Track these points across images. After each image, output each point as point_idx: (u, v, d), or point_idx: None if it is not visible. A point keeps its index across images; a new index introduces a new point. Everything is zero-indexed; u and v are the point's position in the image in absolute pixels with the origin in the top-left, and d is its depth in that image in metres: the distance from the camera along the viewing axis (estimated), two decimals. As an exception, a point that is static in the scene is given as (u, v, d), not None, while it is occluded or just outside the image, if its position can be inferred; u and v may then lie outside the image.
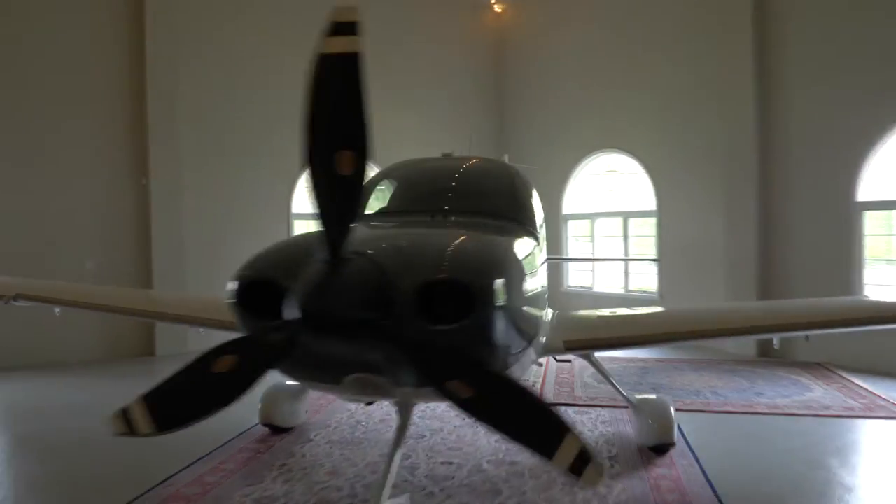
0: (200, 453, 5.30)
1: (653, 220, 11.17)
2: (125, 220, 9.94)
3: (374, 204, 4.76)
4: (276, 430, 5.96)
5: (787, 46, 9.28)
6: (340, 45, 2.63)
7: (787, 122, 9.31)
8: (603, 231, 12.30)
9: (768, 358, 9.20)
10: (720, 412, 6.57)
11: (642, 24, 11.24)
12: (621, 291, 11.82)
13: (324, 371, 3.02)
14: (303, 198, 10.87)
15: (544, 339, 4.59)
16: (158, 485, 4.69)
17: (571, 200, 12.69)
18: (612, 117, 11.71)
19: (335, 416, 6.46)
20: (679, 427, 5.66)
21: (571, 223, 12.82)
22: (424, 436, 5.83)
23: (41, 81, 9.37)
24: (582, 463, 2.56)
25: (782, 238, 9.43)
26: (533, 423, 2.66)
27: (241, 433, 5.91)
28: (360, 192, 2.72)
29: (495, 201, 4.73)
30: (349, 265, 2.64)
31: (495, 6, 13.95)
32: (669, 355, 9.45)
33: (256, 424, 5.99)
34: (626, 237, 11.76)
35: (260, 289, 2.91)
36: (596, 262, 12.27)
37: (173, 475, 4.87)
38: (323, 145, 2.66)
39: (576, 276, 12.83)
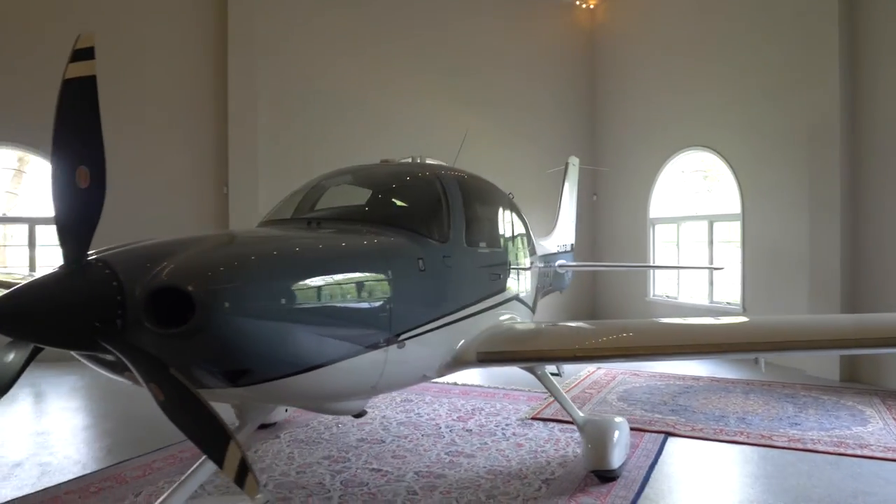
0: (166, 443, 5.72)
1: (738, 225, 10.09)
2: (209, 223, 10.93)
3: (283, 209, 4.86)
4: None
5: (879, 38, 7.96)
6: (79, 69, 2.82)
7: (881, 118, 7.98)
8: (691, 236, 11.32)
9: (853, 383, 7.98)
10: (723, 441, 5.83)
11: (728, 16, 10.26)
12: (706, 302, 10.80)
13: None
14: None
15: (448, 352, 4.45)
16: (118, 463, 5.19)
17: (659, 203, 11.85)
18: (698, 113, 10.82)
19: (320, 417, 6.64)
20: (659, 454, 5.17)
21: (659, 227, 11.95)
22: (384, 441, 5.84)
23: (143, 112, 10.60)
24: (243, 473, 2.51)
25: (875, 247, 8.08)
26: (206, 431, 2.64)
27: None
28: (97, 204, 2.87)
29: (388, 210, 4.65)
30: (75, 273, 2.80)
31: (580, 4, 13.44)
32: (732, 374, 8.53)
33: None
34: (710, 243, 10.73)
35: None
36: (680, 271, 11.33)
37: (124, 461, 5.35)
38: (64, 162, 2.85)
39: (662, 286, 11.93)
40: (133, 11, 10.62)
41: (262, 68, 11.07)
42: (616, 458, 4.78)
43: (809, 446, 5.63)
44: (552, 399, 7.21)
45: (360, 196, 4.96)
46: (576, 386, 8.00)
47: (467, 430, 6.18)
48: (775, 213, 9.42)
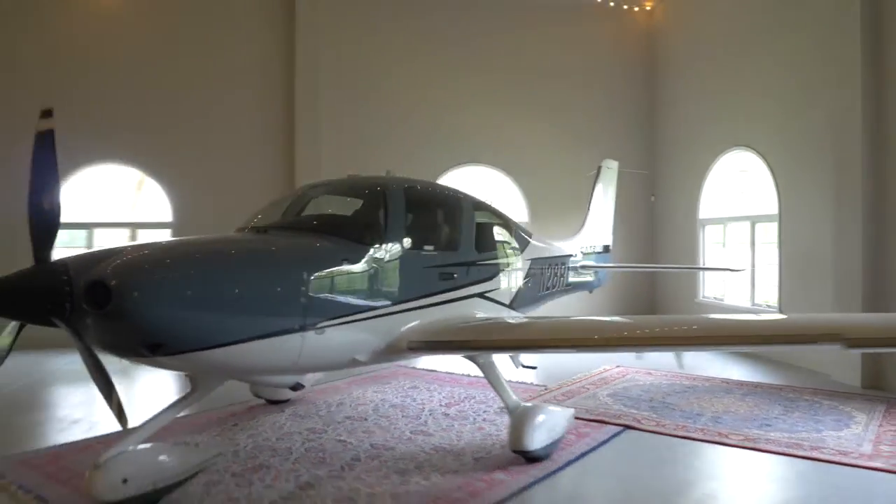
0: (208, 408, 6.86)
1: (777, 226, 9.91)
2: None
3: (260, 216, 5.77)
4: (269, 402, 7.31)
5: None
6: (44, 125, 3.98)
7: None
8: (737, 237, 11.17)
9: (874, 391, 7.76)
10: (678, 436, 6.08)
11: (775, 19, 10.09)
12: (748, 304, 10.64)
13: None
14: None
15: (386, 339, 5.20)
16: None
17: (708, 204, 11.75)
18: (741, 112, 10.67)
19: (329, 398, 7.56)
20: (604, 443, 5.75)
21: (709, 228, 11.84)
22: (366, 419, 6.66)
23: (224, 126, 12.13)
24: (121, 411, 3.63)
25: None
26: (103, 381, 3.70)
27: (244, 401, 7.38)
28: (55, 224, 3.96)
29: (329, 220, 5.47)
30: (48, 265, 3.91)
31: (628, 7, 13.50)
32: (748, 377, 8.54)
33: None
34: (752, 244, 10.57)
35: None
36: (727, 273, 11.19)
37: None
38: (36, 193, 3.97)
39: (712, 287, 11.81)
40: (220, 43, 12.20)
41: (325, 85, 12.27)
42: (535, 441, 5.26)
43: (760, 445, 5.76)
44: (550, 390, 7.76)
45: (322, 207, 5.81)
46: (580, 381, 8.36)
47: (445, 415, 6.84)
48: (809, 214, 9.21)
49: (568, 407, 6.33)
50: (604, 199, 10.71)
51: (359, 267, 5.05)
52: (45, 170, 4.00)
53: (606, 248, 10.66)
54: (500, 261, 6.79)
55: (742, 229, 10.89)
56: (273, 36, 12.37)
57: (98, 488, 4.23)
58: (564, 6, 13.06)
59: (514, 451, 5.32)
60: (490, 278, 6.59)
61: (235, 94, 12.25)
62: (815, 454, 5.53)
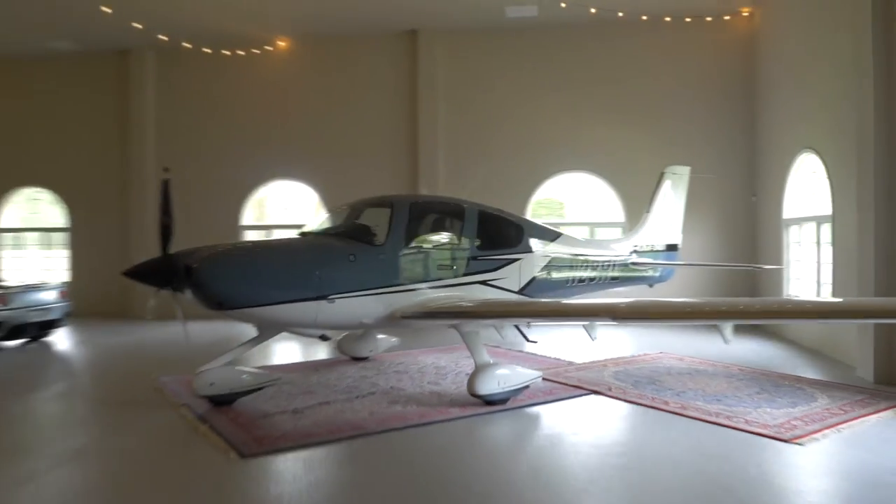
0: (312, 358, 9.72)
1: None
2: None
3: (315, 224, 8.35)
4: (353, 358, 9.93)
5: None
6: (164, 175, 6.96)
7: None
8: (808, 237, 11.46)
9: (885, 387, 8.16)
10: (633, 403, 7.42)
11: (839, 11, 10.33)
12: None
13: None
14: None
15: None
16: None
17: (791, 205, 12.09)
18: (813, 113, 10.97)
19: (398, 359, 9.97)
20: (558, 400, 7.51)
21: (792, 228, 12.16)
22: (405, 373, 8.96)
23: (358, 146, 15.16)
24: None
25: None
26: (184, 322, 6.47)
27: (337, 358, 10.09)
28: (170, 234, 6.89)
29: (351, 227, 7.82)
30: (167, 256, 6.84)
31: (731, 14, 13.91)
32: (773, 367, 9.31)
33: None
34: (818, 243, 10.89)
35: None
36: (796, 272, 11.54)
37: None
38: (162, 215, 6.96)
39: (795, 286, 12.12)
40: (359, 83, 15.27)
41: (442, 107, 14.70)
42: (483, 388, 7.08)
43: (687, 412, 6.94)
44: (572, 365, 9.40)
45: (366, 216, 8.18)
46: (605, 361, 9.78)
47: (459, 372, 8.87)
48: (854, 213, 9.51)
49: (576, 380, 8.10)
50: (670, 202, 11.74)
51: (362, 260, 7.39)
52: (167, 203, 6.93)
53: (671, 247, 11.70)
54: (505, 257, 8.65)
55: (812, 230, 11.21)
56: (399, 71, 15.06)
57: (196, 386, 7.10)
58: (661, 15, 13.88)
59: (471, 394, 7.26)
60: (493, 269, 8.52)
61: (371, 121, 15.18)
62: (720, 420, 6.66)
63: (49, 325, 12.00)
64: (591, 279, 10.17)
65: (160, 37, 14.52)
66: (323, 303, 7.08)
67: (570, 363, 9.66)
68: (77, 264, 16.36)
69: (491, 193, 13.99)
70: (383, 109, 15.21)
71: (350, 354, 9.96)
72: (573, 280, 9.78)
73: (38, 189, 17.15)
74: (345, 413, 6.98)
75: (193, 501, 4.85)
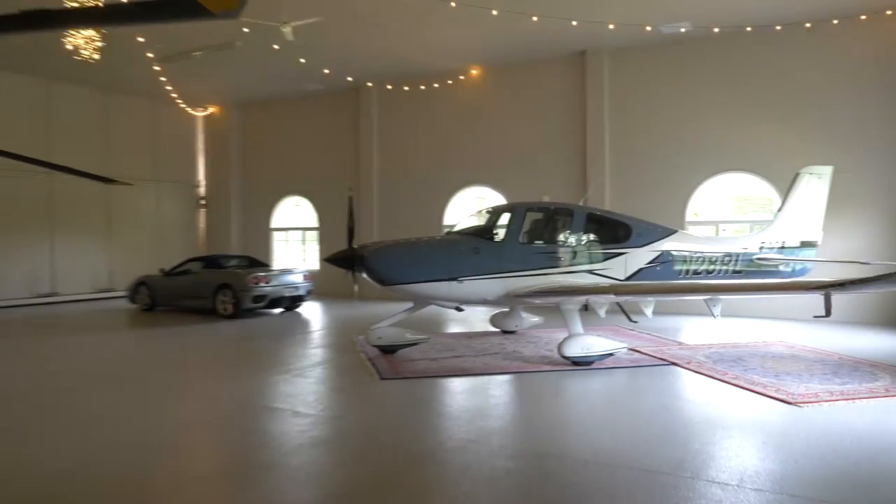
0: (469, 330, 12.60)
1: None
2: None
3: (460, 225, 11.04)
4: (502, 331, 12.50)
5: None
6: (348, 193, 10.35)
7: None
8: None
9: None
10: (701, 374, 9.02)
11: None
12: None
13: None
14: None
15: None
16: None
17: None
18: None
19: (536, 333, 12.33)
20: (636, 366, 9.39)
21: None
22: (500, 344, 11.32)
23: (536, 155, 17.57)
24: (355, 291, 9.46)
25: None
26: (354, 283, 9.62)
27: (489, 331, 12.74)
28: (353, 233, 10.18)
29: (482, 228, 10.37)
30: (350, 248, 10.13)
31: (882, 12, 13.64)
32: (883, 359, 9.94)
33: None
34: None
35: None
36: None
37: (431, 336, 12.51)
38: (348, 219, 10.30)
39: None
40: (531, 91, 17.66)
41: (608, 117, 16.50)
42: (569, 351, 9.24)
43: (738, 382, 8.37)
44: (679, 344, 11.00)
45: (493, 219, 10.76)
46: (712, 342, 11.13)
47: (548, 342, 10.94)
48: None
49: (665, 354, 9.94)
50: (807, 200, 12.36)
51: (485, 252, 9.97)
52: (351, 212, 10.21)
53: (807, 244, 12.35)
54: (611, 251, 10.57)
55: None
56: (570, 87, 17.13)
57: (370, 338, 10.28)
58: (811, 20, 14.15)
59: (561, 356, 9.45)
60: (600, 261, 10.51)
61: (547, 133, 17.48)
62: (746, 385, 8.06)
63: (297, 300, 16.40)
64: (709, 272, 11.50)
65: (367, 83, 18.40)
66: (454, 283, 9.80)
67: (679, 343, 11.20)
68: (322, 254, 21.08)
69: (651, 196, 15.70)
70: (557, 122, 17.43)
71: (500, 328, 12.55)
72: (686, 272, 11.25)
73: (299, 197, 22.35)
74: (465, 363, 9.64)
75: (355, 398, 7.89)
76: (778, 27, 14.17)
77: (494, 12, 13.19)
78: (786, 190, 12.58)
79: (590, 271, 10.49)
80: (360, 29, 14.67)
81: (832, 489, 4.86)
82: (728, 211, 17.12)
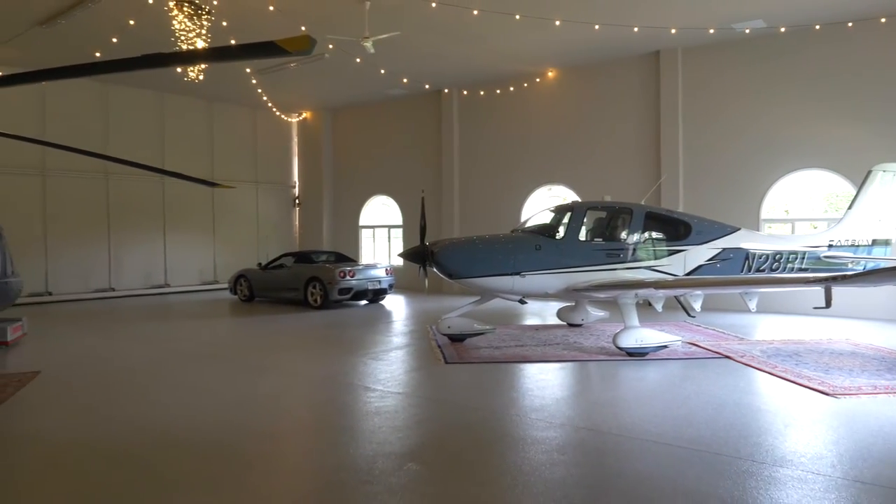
0: (541, 323, 13.34)
1: None
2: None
3: (526, 223, 11.76)
4: (569, 325, 13.13)
5: None
6: (421, 195, 11.32)
7: None
8: None
9: None
10: (749, 366, 9.40)
11: None
12: None
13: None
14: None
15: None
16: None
17: None
18: None
19: (599, 326, 12.88)
20: (687, 359, 9.88)
21: None
22: (562, 336, 11.91)
23: (610, 153, 17.95)
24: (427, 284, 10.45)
25: None
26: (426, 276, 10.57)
27: (556, 324, 13.40)
28: (424, 231, 11.14)
29: (545, 226, 11.05)
30: (422, 245, 11.10)
31: None
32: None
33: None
34: None
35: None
36: None
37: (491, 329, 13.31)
38: (420, 218, 11.28)
39: None
40: (607, 94, 18.05)
41: (681, 115, 16.69)
42: (623, 342, 9.80)
43: (787, 376, 8.71)
44: (738, 338, 11.35)
45: (557, 218, 11.43)
46: (770, 338, 11.34)
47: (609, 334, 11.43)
48: None
49: (720, 348, 10.35)
50: (880, 198, 12.26)
51: (546, 249, 10.68)
52: (423, 212, 11.16)
53: (879, 242, 12.26)
54: (669, 248, 11.00)
55: None
56: (645, 86, 17.41)
57: (440, 327, 11.20)
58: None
59: (616, 347, 10.03)
60: (659, 258, 10.97)
61: (621, 132, 17.83)
62: (789, 377, 8.39)
63: (380, 293, 17.61)
64: (773, 269, 11.69)
65: (444, 89, 19.33)
66: (517, 277, 10.58)
67: (740, 338, 11.48)
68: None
69: (725, 193, 15.83)
70: (631, 121, 17.75)
71: (566, 321, 13.19)
72: (747, 268, 11.50)
73: (385, 196, 23.64)
74: (526, 351, 10.40)
75: (423, 378, 8.85)
76: (850, 24, 13.99)
77: (557, 23, 13.80)
78: (858, 187, 12.52)
79: (649, 268, 10.97)
80: (435, 40, 15.62)
81: (855, 469, 5.32)
82: (820, 208, 16.92)
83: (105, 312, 16.60)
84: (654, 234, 11.16)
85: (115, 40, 14.31)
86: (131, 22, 13.38)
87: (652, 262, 11.00)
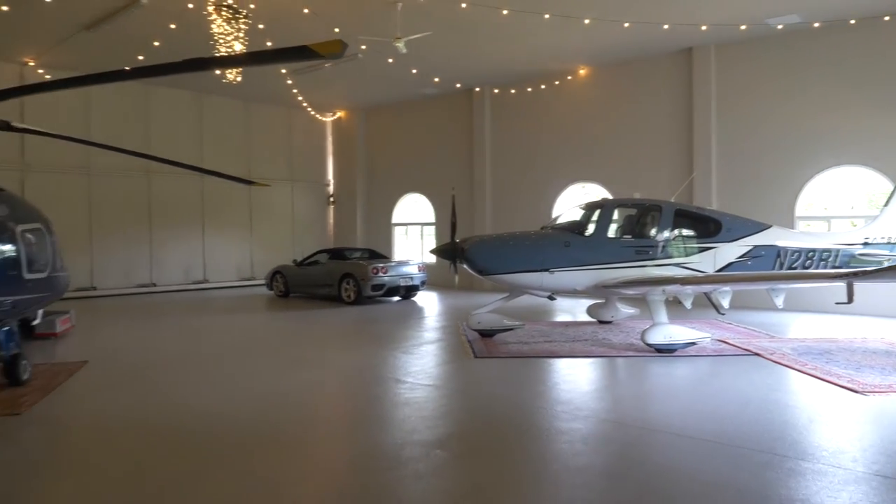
0: (568, 320, 13.46)
1: None
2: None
3: (554, 220, 11.86)
4: (599, 322, 13.18)
5: None
6: (452, 192, 11.52)
7: None
8: None
9: None
10: (778, 363, 9.38)
11: None
12: None
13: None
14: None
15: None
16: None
17: None
18: None
19: (627, 323, 12.91)
20: (721, 355, 9.93)
21: None
22: (593, 332, 11.97)
23: (641, 151, 17.88)
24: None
25: None
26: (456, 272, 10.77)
27: (582, 320, 13.47)
28: (455, 228, 11.34)
29: (573, 223, 11.14)
30: (452, 242, 11.30)
31: None
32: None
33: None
34: None
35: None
36: None
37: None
38: (451, 215, 11.48)
39: None
40: (640, 95, 18.00)
41: (714, 111, 16.57)
42: (651, 339, 9.83)
43: (815, 373, 8.65)
44: (768, 335, 11.31)
45: (586, 215, 11.51)
46: (801, 336, 11.26)
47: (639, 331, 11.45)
48: None
49: (750, 346, 10.34)
50: (914, 196, 12.07)
51: (575, 246, 10.77)
52: (454, 209, 11.36)
53: (911, 238, 12.05)
54: (699, 245, 11.00)
55: None
56: (677, 82, 17.32)
57: (470, 322, 11.40)
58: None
59: (644, 344, 10.08)
60: (689, 254, 10.98)
61: (652, 129, 17.77)
62: (831, 378, 8.33)
63: (412, 289, 17.86)
64: (805, 267, 11.59)
65: (475, 88, 19.48)
66: (546, 273, 10.70)
67: (771, 336, 11.42)
68: (438, 248, 22.57)
69: (759, 190, 15.70)
70: (664, 118, 17.68)
71: (596, 318, 13.25)
72: (779, 265, 11.42)
73: (417, 194, 23.91)
74: (554, 347, 10.53)
75: (452, 371, 9.06)
76: (886, 17, 13.73)
77: (586, 21, 13.85)
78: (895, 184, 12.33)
79: (678, 265, 10.99)
80: (465, 39, 15.78)
81: (877, 463, 5.36)
82: (860, 206, 16.62)
83: (147, 307, 17.20)
84: (684, 231, 11.17)
85: (156, 44, 14.82)
86: (172, 26, 13.84)
87: (682, 259, 11.01)
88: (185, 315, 15.69)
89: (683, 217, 11.28)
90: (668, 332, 10.02)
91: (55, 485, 5.20)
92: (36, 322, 10.51)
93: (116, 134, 18.69)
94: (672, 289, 10.03)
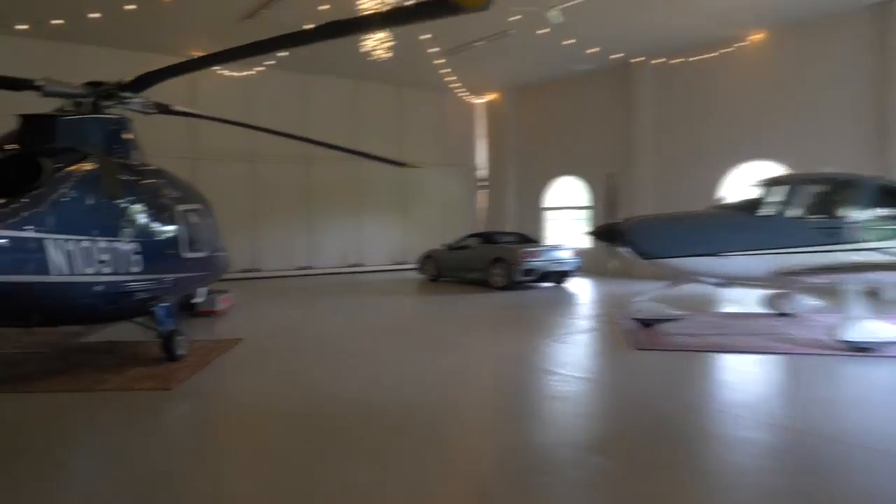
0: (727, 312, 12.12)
1: None
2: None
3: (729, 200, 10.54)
4: (779, 314, 11.61)
5: None
6: (609, 175, 10.68)
7: None
8: None
9: None
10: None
11: None
12: None
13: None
14: None
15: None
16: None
17: None
18: None
19: (817, 318, 11.26)
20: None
21: None
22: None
23: (821, 121, 15.66)
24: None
25: None
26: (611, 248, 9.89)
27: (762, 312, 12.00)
28: (614, 209, 10.48)
29: (746, 201, 9.80)
30: (613, 222, 10.45)
31: None
32: None
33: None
34: None
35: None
36: None
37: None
38: (611, 195, 10.63)
39: None
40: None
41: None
42: (850, 335, 8.32)
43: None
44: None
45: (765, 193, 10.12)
46: None
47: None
48: None
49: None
50: None
51: (752, 227, 9.50)
52: (613, 192, 10.46)
53: None
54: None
55: None
56: (865, 39, 14.93)
57: (630, 310, 10.52)
58: None
59: (837, 340, 8.63)
60: (892, 237, 9.27)
61: (833, 97, 15.50)
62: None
63: (564, 275, 17.06)
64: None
65: (633, 59, 18.07)
66: (717, 258, 9.55)
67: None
68: (592, 232, 21.50)
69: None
70: (851, 86, 15.37)
71: (776, 310, 11.74)
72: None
73: (571, 176, 22.93)
74: (726, 340, 9.36)
75: (609, 364, 8.34)
76: None
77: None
78: None
79: (877, 249, 9.33)
80: (623, 5, 14.61)
81: None
82: None
83: (303, 288, 17.87)
84: (889, 211, 9.45)
85: (310, 27, 15.11)
86: (323, 7, 13.98)
87: (884, 243, 9.33)
88: (339, 297, 16.08)
89: (887, 194, 9.56)
90: (867, 327, 8.52)
91: (182, 462, 5.19)
92: (198, 300, 11.03)
93: (276, 121, 19.47)
94: (875, 276, 8.49)
